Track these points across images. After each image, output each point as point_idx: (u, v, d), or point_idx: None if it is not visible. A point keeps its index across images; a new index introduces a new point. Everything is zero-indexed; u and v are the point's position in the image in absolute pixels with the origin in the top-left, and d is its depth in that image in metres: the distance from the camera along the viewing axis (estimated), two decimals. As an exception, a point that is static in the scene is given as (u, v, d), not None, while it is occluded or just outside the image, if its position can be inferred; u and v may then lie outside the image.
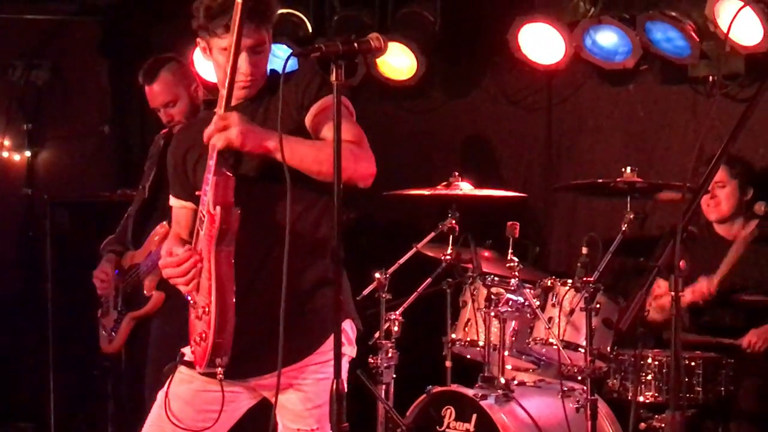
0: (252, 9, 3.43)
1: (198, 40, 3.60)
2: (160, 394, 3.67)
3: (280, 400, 3.54)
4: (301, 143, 3.43)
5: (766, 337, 5.18)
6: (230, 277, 3.43)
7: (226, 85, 3.43)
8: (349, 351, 3.68)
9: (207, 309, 3.43)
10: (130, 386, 5.40)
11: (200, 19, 3.55)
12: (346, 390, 3.32)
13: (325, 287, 3.51)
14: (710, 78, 5.93)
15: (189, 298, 3.54)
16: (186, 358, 3.64)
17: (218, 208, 3.39)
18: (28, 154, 7.41)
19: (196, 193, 3.54)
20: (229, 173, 3.44)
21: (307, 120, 3.51)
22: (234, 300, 3.43)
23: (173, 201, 3.79)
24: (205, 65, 6.46)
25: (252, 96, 3.60)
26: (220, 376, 3.47)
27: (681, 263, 2.78)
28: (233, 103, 3.51)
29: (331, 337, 3.32)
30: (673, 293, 2.75)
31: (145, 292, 5.02)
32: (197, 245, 3.50)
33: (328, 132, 3.45)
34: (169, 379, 3.63)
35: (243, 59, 3.50)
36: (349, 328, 3.67)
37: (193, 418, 3.64)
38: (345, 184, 3.32)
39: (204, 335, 3.44)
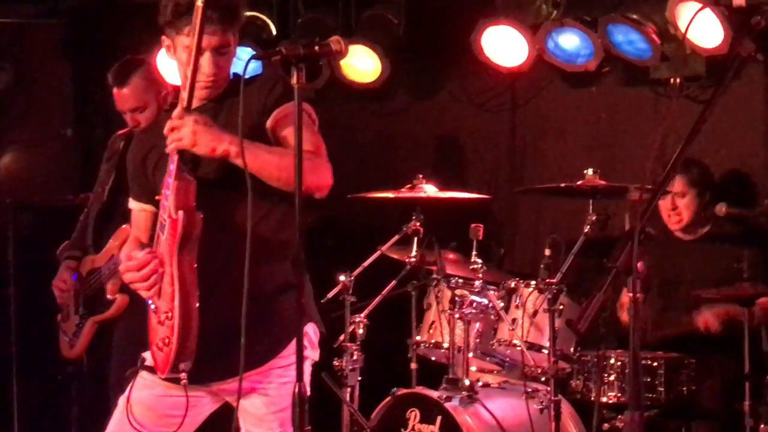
0: (219, 10, 3.43)
1: (163, 38, 3.59)
2: (122, 399, 3.66)
3: (243, 405, 3.54)
4: (261, 149, 3.42)
5: (719, 314, 5.21)
6: (193, 282, 3.42)
7: (187, 86, 3.42)
8: (312, 354, 3.68)
9: (170, 314, 3.41)
10: (94, 391, 5.37)
11: (167, 16, 3.54)
12: (309, 393, 3.33)
13: (288, 291, 3.50)
14: (671, 80, 5.98)
15: (150, 303, 3.52)
16: (147, 363, 3.62)
17: (180, 212, 3.37)
18: (-10, 157, 7.36)
19: (156, 197, 3.52)
20: (190, 177, 3.42)
21: (269, 124, 3.51)
22: (197, 305, 3.42)
23: (132, 204, 3.77)
24: (169, 67, 6.45)
25: (214, 97, 3.59)
26: (184, 381, 3.46)
27: (639, 265, 2.80)
28: (196, 104, 3.50)
29: (294, 341, 3.32)
30: (631, 294, 2.77)
31: (107, 295, 4.99)
32: (158, 250, 3.48)
33: (288, 138, 3.45)
34: (131, 384, 3.62)
35: (206, 59, 3.49)
36: (311, 331, 3.67)
37: (155, 423, 3.63)
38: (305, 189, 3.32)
39: (167, 340, 3.42)
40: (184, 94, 3.44)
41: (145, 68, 5.06)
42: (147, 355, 3.63)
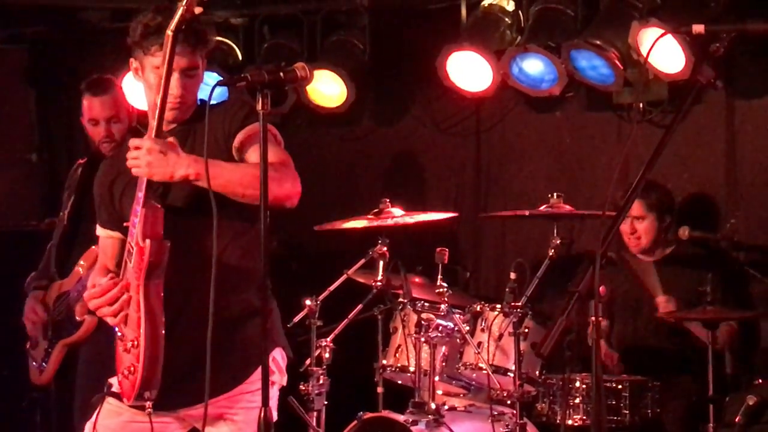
0: (189, 32, 3.45)
1: (131, 60, 3.59)
2: (88, 426, 3.64)
3: (210, 431, 3.53)
4: (224, 167, 3.43)
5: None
6: (159, 309, 3.41)
7: (156, 112, 3.42)
8: (279, 379, 3.68)
9: (136, 342, 3.40)
10: (59, 417, 5.32)
11: (136, 37, 3.55)
12: (275, 418, 3.32)
13: (254, 317, 3.51)
14: (634, 104, 6.04)
15: (117, 330, 3.51)
16: (114, 389, 3.61)
17: (148, 241, 3.37)
18: (-46, 183, 7.31)
19: (124, 224, 3.52)
20: (158, 205, 3.42)
21: (234, 146, 3.52)
22: (163, 332, 3.41)
23: (100, 231, 3.77)
24: (136, 91, 6.44)
25: (181, 121, 3.59)
26: (149, 410, 3.45)
27: (601, 289, 2.82)
28: (164, 127, 3.50)
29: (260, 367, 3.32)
30: (593, 318, 2.80)
31: (76, 317, 4.97)
32: (125, 276, 3.48)
33: (252, 155, 3.47)
34: (97, 411, 3.60)
35: (175, 81, 3.50)
36: (279, 356, 3.67)
37: None
38: (272, 205, 3.32)
39: (133, 368, 3.41)
40: (153, 122, 3.44)
41: (118, 85, 5.11)
42: (114, 380, 3.61)
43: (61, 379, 5.15)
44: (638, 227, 5.52)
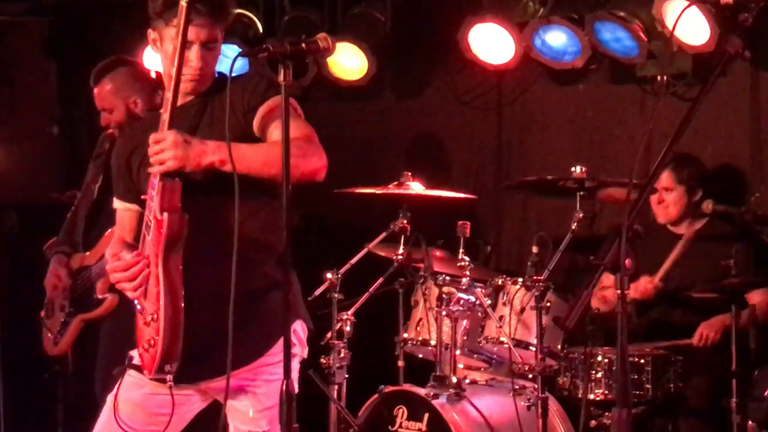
0: (208, 4, 3.43)
1: (149, 31, 3.56)
2: (110, 398, 3.64)
3: (232, 403, 3.53)
4: (247, 149, 3.39)
5: (717, 327, 5.23)
6: (179, 282, 3.39)
7: (172, 84, 3.40)
8: (300, 352, 3.67)
9: (156, 315, 3.39)
10: (80, 389, 5.34)
11: (157, 7, 3.52)
12: (297, 391, 3.32)
13: (275, 289, 3.49)
14: (658, 77, 5.99)
15: (137, 303, 3.50)
16: (134, 362, 3.61)
17: (165, 214, 3.35)
18: (-25, 155, 7.33)
19: (142, 197, 3.50)
20: (175, 178, 3.40)
21: (255, 122, 3.48)
22: (183, 305, 3.40)
23: (117, 203, 3.75)
24: (156, 62, 6.43)
25: (199, 93, 3.57)
26: (170, 383, 3.45)
27: (627, 262, 2.80)
28: (181, 100, 3.49)
29: (282, 339, 3.31)
30: (619, 290, 2.77)
31: (97, 294, 4.97)
32: (144, 250, 3.46)
33: (275, 131, 3.43)
34: (118, 383, 3.60)
35: (194, 53, 3.48)
36: (300, 328, 3.66)
37: (143, 422, 3.61)
38: (299, 180, 3.32)
39: (153, 342, 3.40)
40: (168, 94, 3.42)
41: (120, 71, 5.05)
42: (134, 353, 3.61)
43: (79, 352, 5.16)
44: (666, 197, 5.48)
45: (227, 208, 3.35)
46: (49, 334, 5.18)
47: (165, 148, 3.35)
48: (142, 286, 3.45)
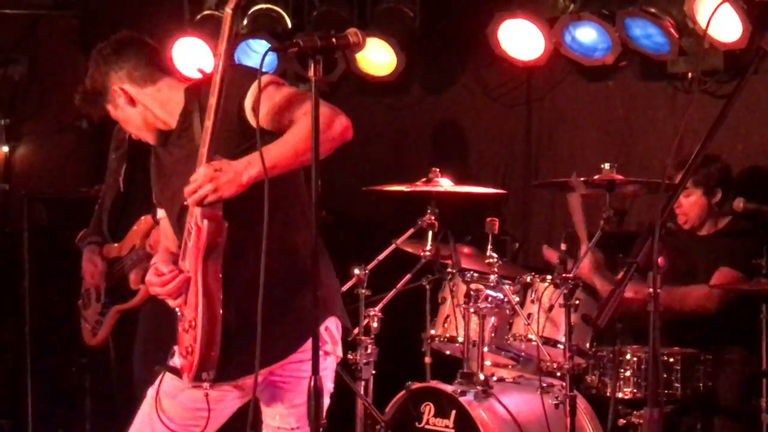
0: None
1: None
2: (151, 392, 3.65)
3: (264, 396, 3.56)
4: (274, 150, 3.33)
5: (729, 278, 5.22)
6: (217, 290, 3.39)
7: (211, 117, 3.33)
8: (332, 349, 3.63)
9: (194, 323, 3.39)
10: (120, 378, 5.33)
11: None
12: (330, 388, 3.31)
13: (306, 285, 3.48)
14: (689, 74, 5.95)
15: (177, 310, 3.51)
16: (173, 363, 3.60)
17: (206, 221, 3.34)
18: (5, 149, 7.36)
19: (185, 203, 3.44)
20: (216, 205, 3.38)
21: (250, 116, 3.39)
22: (221, 313, 3.39)
23: (161, 213, 3.74)
24: (185, 59, 6.45)
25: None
26: (206, 391, 3.46)
27: (660, 260, 2.78)
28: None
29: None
30: (651, 290, 2.75)
31: (131, 285, 4.98)
32: (185, 257, 3.46)
33: (283, 117, 3.37)
34: (160, 378, 3.60)
35: None
36: (333, 326, 3.63)
37: (182, 417, 3.62)
38: (333, 148, 3.31)
39: (191, 349, 3.40)
40: (212, 100, 3.33)
41: None
42: (175, 358, 3.61)
43: (117, 340, 5.15)
44: (684, 202, 5.41)
45: (254, 205, 3.31)
46: (87, 325, 5.19)
47: (201, 184, 3.31)
48: (180, 296, 3.46)
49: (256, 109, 3.34)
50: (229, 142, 3.38)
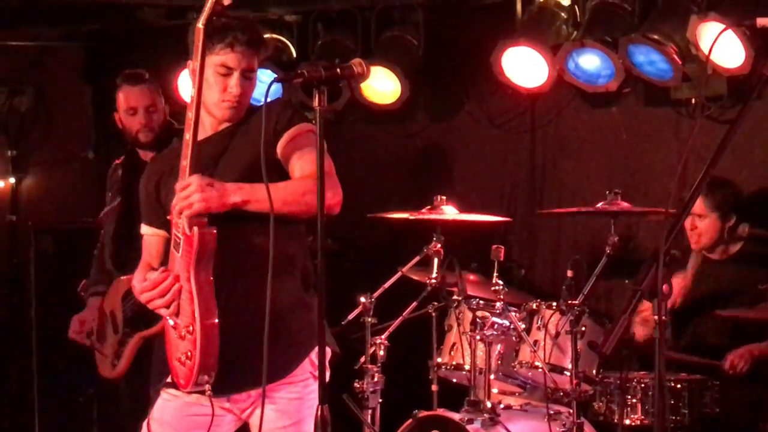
0: (248, 34, 3.53)
1: (189, 61, 3.60)
2: (144, 426, 3.68)
3: (254, 419, 3.60)
4: (264, 191, 3.40)
5: (746, 358, 5.18)
6: (212, 295, 3.47)
7: (194, 107, 3.44)
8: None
9: (191, 328, 3.45)
10: (127, 409, 5.32)
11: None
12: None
13: (298, 309, 3.53)
14: (693, 100, 5.97)
15: (169, 319, 3.55)
16: (168, 380, 3.64)
17: (195, 228, 3.43)
18: (12, 180, 7.40)
19: (168, 217, 3.56)
20: (203, 218, 3.46)
21: (279, 149, 3.56)
22: (217, 319, 3.46)
23: (145, 229, 3.82)
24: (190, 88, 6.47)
25: (235, 120, 3.64)
26: (209, 392, 3.49)
27: (664, 287, 2.78)
28: (216, 127, 3.62)
29: (305, 361, 3.50)
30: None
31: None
32: (173, 268, 3.52)
33: (297, 165, 3.53)
34: (151, 406, 3.64)
35: (234, 79, 3.56)
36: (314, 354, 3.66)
37: None
38: (310, 211, 3.40)
39: (190, 354, 3.46)
40: (187, 136, 3.46)
41: (152, 78, 5.21)
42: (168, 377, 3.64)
43: (134, 372, 5.13)
44: (699, 225, 5.43)
45: (249, 223, 3.46)
46: (105, 358, 5.17)
47: (191, 192, 3.42)
48: (174, 301, 3.50)
49: (286, 148, 3.53)
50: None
